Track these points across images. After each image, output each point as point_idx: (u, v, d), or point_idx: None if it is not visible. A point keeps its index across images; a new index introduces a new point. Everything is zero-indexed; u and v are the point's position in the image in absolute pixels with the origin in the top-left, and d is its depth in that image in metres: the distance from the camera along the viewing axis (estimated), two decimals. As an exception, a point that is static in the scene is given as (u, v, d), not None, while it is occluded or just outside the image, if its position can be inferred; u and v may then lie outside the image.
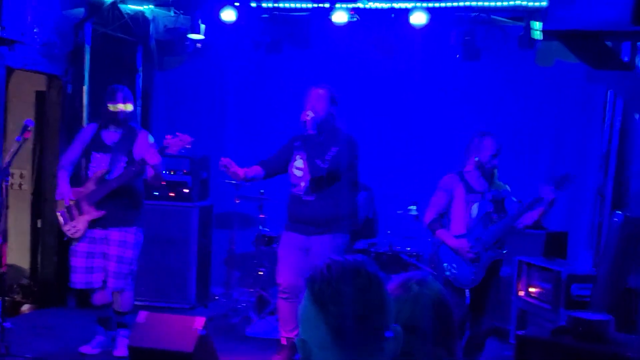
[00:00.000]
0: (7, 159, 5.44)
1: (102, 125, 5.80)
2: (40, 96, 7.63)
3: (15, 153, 5.41)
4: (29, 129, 5.42)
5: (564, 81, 7.35)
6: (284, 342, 5.53)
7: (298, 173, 5.47)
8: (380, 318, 1.53)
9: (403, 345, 1.87)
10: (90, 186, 5.66)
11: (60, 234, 6.89)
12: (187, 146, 5.60)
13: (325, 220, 5.38)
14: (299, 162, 5.49)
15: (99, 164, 5.68)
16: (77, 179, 5.87)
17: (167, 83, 8.31)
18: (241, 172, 5.50)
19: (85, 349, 5.78)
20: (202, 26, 7.44)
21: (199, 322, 4.71)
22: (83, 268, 5.68)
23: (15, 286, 7.41)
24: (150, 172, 5.63)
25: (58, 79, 7.34)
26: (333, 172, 5.34)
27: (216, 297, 7.69)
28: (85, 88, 7.38)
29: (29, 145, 7.38)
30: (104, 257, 5.69)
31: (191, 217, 7.47)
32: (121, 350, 5.67)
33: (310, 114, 5.30)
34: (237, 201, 7.25)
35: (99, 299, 5.78)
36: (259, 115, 8.15)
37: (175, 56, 7.97)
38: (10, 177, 5.62)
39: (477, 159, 5.30)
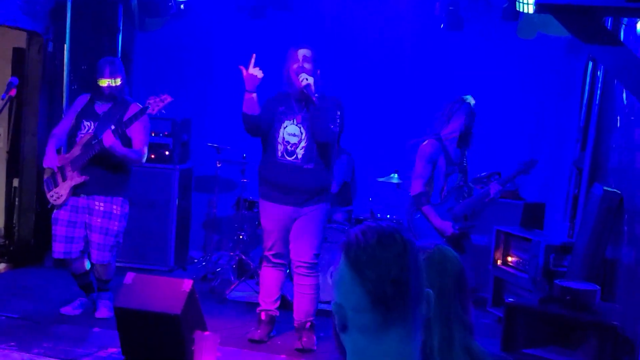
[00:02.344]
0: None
1: (94, 96, 5.78)
2: (18, 53, 7.51)
3: (0, 111, 5.35)
4: (14, 86, 5.37)
5: (545, 54, 7.41)
6: (263, 316, 5.41)
7: (293, 139, 5.18)
8: (415, 283, 1.57)
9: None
10: (75, 151, 5.61)
11: (40, 193, 6.90)
12: (166, 104, 5.50)
13: (320, 189, 5.22)
14: (292, 128, 5.19)
15: (87, 130, 5.65)
16: (64, 150, 5.86)
17: (148, 44, 8.22)
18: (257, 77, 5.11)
19: (67, 310, 5.78)
20: (186, -12, 7.37)
21: (187, 283, 4.71)
22: (63, 237, 5.62)
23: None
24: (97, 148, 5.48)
25: (39, 36, 7.24)
26: (336, 137, 5.22)
27: (195, 260, 7.71)
28: (66, 46, 7.27)
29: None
30: (85, 227, 5.64)
31: (172, 180, 7.45)
32: (102, 312, 5.70)
33: (306, 78, 5.03)
34: (219, 164, 7.23)
35: (77, 267, 5.75)
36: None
37: (158, 17, 7.85)
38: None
39: (454, 123, 5.37)
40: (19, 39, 7.36)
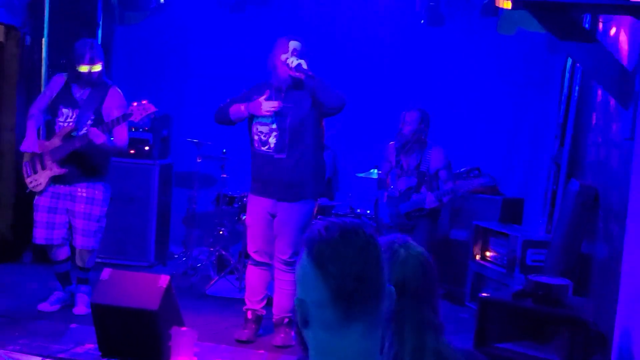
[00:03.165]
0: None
1: (71, 79, 5.68)
2: (-4, 47, 7.46)
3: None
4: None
5: (524, 50, 7.44)
6: (250, 315, 5.36)
7: (264, 129, 5.15)
8: (377, 278, 1.58)
9: (394, 307, 1.94)
10: (55, 142, 5.56)
11: (18, 189, 6.89)
12: (151, 116, 5.58)
13: (297, 182, 5.14)
14: (264, 118, 5.14)
15: (66, 119, 5.58)
16: (43, 132, 5.84)
17: (128, 39, 8.17)
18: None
19: (44, 307, 5.74)
20: (165, -19, 7.34)
21: (164, 279, 4.71)
22: (44, 223, 5.62)
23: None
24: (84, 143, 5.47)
25: (16, 30, 7.19)
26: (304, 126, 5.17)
27: (175, 256, 7.70)
28: (44, 40, 7.23)
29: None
30: (67, 213, 5.64)
31: (152, 175, 7.43)
32: (81, 308, 5.66)
33: (295, 59, 5.01)
34: (199, 160, 7.22)
35: (58, 254, 5.74)
36: (221, 73, 8.09)
37: (138, 11, 7.83)
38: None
39: (403, 132, 6.03)
40: (-3, 33, 7.31)
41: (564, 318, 3.78)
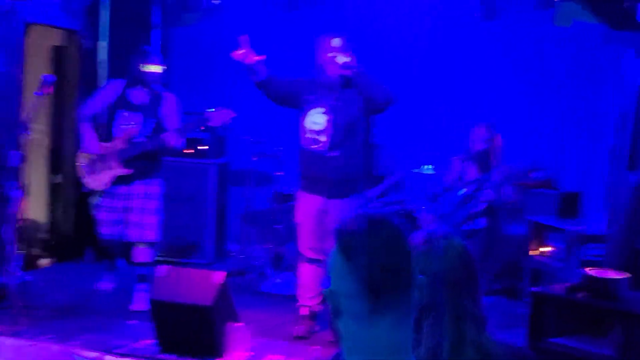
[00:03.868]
0: (26, 113, 5.51)
1: (129, 84, 5.90)
2: (57, 51, 7.66)
3: (35, 108, 5.48)
4: (49, 83, 5.49)
5: (581, 41, 7.30)
6: (304, 312, 5.38)
7: (316, 127, 5.15)
8: (405, 269, 1.60)
9: (433, 296, 1.95)
10: (119, 144, 5.79)
11: (79, 188, 7.09)
12: (229, 121, 5.86)
13: (347, 179, 5.14)
14: (317, 117, 5.18)
15: (127, 122, 5.82)
16: (99, 134, 6.00)
17: (184, 40, 8.30)
18: (254, 55, 5.28)
19: (101, 285, 6.25)
20: (219, -18, 7.44)
21: (219, 276, 4.78)
22: (106, 221, 5.89)
23: (33, 240, 7.53)
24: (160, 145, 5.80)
25: (76, 34, 7.37)
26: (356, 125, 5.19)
27: (233, 254, 7.79)
28: (103, 43, 7.40)
29: (47, 101, 7.44)
30: (125, 210, 5.86)
31: (208, 174, 7.54)
32: (139, 305, 5.79)
33: (341, 57, 5.03)
34: (255, 158, 7.29)
35: (117, 247, 6.03)
36: (276, 72, 8.13)
37: (193, 12, 7.94)
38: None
39: (469, 146, 6.12)
40: (58, 38, 7.51)
41: (619, 312, 3.71)
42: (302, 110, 5.27)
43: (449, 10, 7.46)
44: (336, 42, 5.15)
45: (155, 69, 5.85)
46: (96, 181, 5.84)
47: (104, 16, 7.38)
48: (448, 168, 6.19)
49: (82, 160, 5.92)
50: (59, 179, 7.67)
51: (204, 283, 4.77)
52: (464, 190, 5.87)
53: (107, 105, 5.88)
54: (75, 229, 7.49)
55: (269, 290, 6.63)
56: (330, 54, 5.12)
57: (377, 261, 1.57)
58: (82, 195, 7.11)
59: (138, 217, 5.83)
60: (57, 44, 7.59)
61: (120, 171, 5.78)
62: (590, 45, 7.25)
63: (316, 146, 5.19)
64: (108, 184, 5.81)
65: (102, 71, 7.49)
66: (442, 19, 7.49)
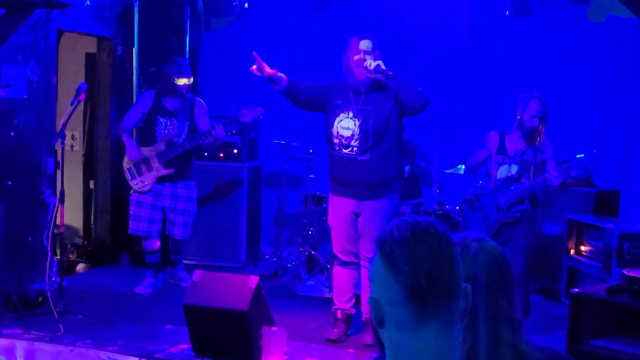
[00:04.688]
0: (62, 121, 5.59)
1: (162, 93, 6.41)
2: (90, 58, 7.73)
3: (70, 115, 5.55)
4: (83, 91, 5.56)
5: (616, 37, 7.18)
6: (339, 315, 5.35)
7: (346, 133, 5.12)
8: (450, 277, 1.56)
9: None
10: (160, 146, 6.35)
11: (113, 194, 7.29)
12: (260, 117, 6.43)
13: (379, 182, 5.12)
14: (346, 122, 5.14)
15: (166, 126, 6.39)
16: (139, 139, 6.52)
17: (214, 44, 8.32)
18: (268, 68, 5.29)
19: (139, 289, 6.46)
20: (249, -14, 7.45)
21: (253, 280, 4.77)
22: (147, 218, 6.39)
23: (70, 246, 7.61)
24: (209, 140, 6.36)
25: (108, 41, 7.43)
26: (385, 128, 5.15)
27: (266, 256, 7.79)
28: (134, 50, 7.45)
29: (80, 107, 7.49)
30: (164, 210, 6.46)
31: (241, 177, 7.54)
32: (187, 278, 6.42)
33: (371, 62, 4.96)
34: (286, 161, 7.29)
35: (151, 245, 6.50)
36: (306, 74, 8.10)
37: (223, 17, 7.97)
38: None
39: (518, 117, 5.47)
40: (90, 45, 7.58)
41: (661, 313, 3.63)
42: (330, 115, 5.23)
43: (479, 8, 7.39)
44: (364, 44, 5.10)
45: (186, 81, 6.38)
46: (141, 183, 6.34)
47: (136, 23, 7.42)
48: (482, 144, 5.77)
49: (126, 164, 6.40)
50: (92, 184, 7.73)
51: (238, 287, 4.77)
52: (515, 168, 5.55)
53: (144, 112, 6.41)
54: (110, 234, 7.55)
55: (303, 293, 6.61)
56: (357, 57, 5.07)
57: (421, 269, 1.53)
58: (119, 200, 7.24)
59: (182, 218, 6.49)
60: (90, 51, 7.66)
61: (164, 171, 6.32)
62: (626, 40, 7.13)
63: (347, 151, 5.16)
64: (152, 184, 6.34)
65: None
66: (472, 16, 7.42)
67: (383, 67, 4.96)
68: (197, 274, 4.94)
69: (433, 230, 1.58)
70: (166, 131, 6.38)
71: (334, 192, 5.33)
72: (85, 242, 7.78)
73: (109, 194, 7.52)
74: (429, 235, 1.57)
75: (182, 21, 7.99)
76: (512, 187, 5.52)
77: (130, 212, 6.46)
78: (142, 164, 6.35)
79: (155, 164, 6.33)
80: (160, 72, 6.65)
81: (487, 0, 7.41)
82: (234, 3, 7.63)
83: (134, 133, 6.63)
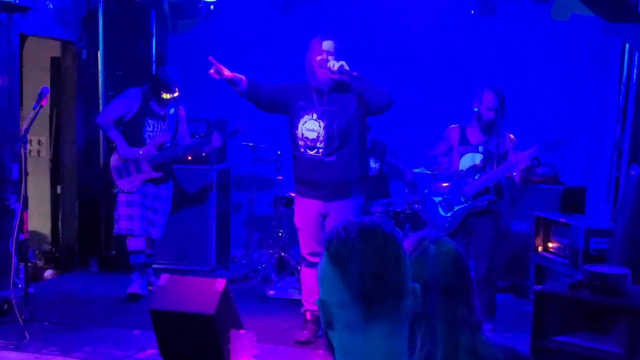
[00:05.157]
0: (24, 126, 5.53)
1: (149, 96, 6.44)
2: (55, 62, 7.66)
3: (32, 120, 5.48)
4: (45, 95, 5.50)
5: (580, 35, 7.24)
6: (308, 316, 5.36)
7: (311, 135, 5.12)
8: (397, 276, 1.55)
9: (425, 304, 1.90)
10: (151, 150, 6.39)
11: (80, 199, 7.22)
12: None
13: (346, 182, 5.12)
14: (310, 123, 5.13)
15: (154, 128, 6.45)
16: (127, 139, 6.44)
17: (181, 46, 8.28)
18: (227, 71, 5.22)
19: (134, 289, 6.38)
20: (215, -12, 7.42)
21: (220, 283, 4.75)
22: (139, 217, 6.40)
23: (37, 252, 7.52)
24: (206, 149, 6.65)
25: (72, 45, 7.36)
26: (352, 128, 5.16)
27: (236, 259, 7.76)
28: (100, 53, 7.38)
29: (45, 112, 7.44)
30: (147, 209, 6.48)
31: (210, 180, 7.52)
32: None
33: (334, 62, 4.94)
34: (255, 163, 7.27)
35: (138, 244, 6.46)
36: (274, 75, 8.09)
37: (189, 19, 7.94)
38: (28, 145, 5.76)
39: (476, 109, 5.58)
40: (55, 49, 7.50)
41: (622, 307, 3.66)
42: (294, 117, 5.21)
43: (447, 7, 7.42)
44: (327, 44, 5.08)
45: (169, 97, 6.42)
46: (129, 184, 6.37)
47: (100, 26, 7.35)
48: (443, 137, 5.81)
49: (115, 162, 6.41)
50: (59, 189, 7.65)
51: (205, 291, 4.74)
52: (479, 157, 5.57)
53: (129, 111, 6.39)
54: (79, 239, 7.48)
55: (273, 295, 6.60)
56: (320, 57, 5.05)
57: (368, 270, 1.52)
58: (86, 205, 7.20)
59: (161, 218, 6.58)
60: (55, 55, 7.59)
61: (153, 174, 6.41)
62: (589, 38, 7.20)
63: (312, 152, 5.15)
64: (139, 185, 6.39)
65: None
66: (440, 15, 7.44)
67: (346, 67, 4.94)
68: (164, 278, 4.91)
69: (379, 230, 1.57)
70: (155, 134, 6.44)
71: (300, 194, 5.31)
72: (53, 249, 7.69)
73: (76, 199, 7.45)
74: (375, 235, 1.56)
75: (148, 24, 7.96)
76: (477, 176, 5.57)
77: (120, 212, 6.41)
78: (131, 164, 6.38)
79: (145, 166, 6.38)
80: (126, 75, 6.67)
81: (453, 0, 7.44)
82: (200, 5, 7.60)
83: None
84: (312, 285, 5.33)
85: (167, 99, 6.43)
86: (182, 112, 6.68)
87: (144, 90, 6.47)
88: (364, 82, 5.00)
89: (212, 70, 5.19)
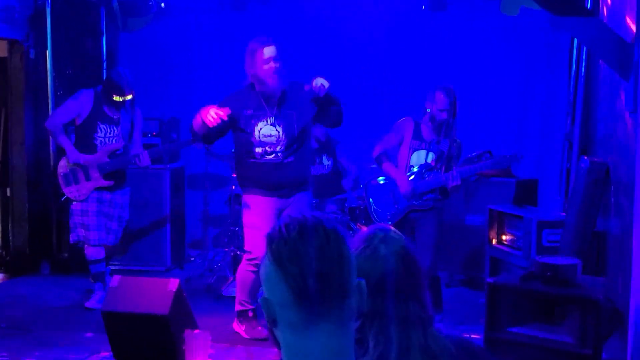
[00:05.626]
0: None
1: (102, 100, 6.11)
2: (2, 62, 7.49)
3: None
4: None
5: (529, 29, 7.33)
6: (250, 314, 5.39)
7: (270, 139, 5.13)
8: (340, 274, 1.52)
9: (376, 301, 1.88)
10: (102, 157, 6.07)
11: (31, 201, 7.07)
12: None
13: (303, 180, 5.26)
14: (267, 129, 5.16)
15: (107, 134, 6.11)
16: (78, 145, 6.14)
17: (132, 45, 8.17)
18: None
19: (91, 304, 6.05)
20: (166, -15, 7.34)
21: (174, 283, 4.70)
22: (95, 226, 6.09)
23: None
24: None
25: (19, 44, 7.22)
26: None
27: (192, 258, 7.70)
28: (48, 52, 7.24)
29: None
30: (104, 216, 6.17)
31: (163, 180, 7.43)
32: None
33: (322, 83, 5.00)
34: (208, 161, 7.21)
35: (98, 253, 6.14)
36: (227, 73, 8.05)
37: (140, 17, 7.83)
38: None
39: (428, 110, 5.53)
40: (1, 48, 7.35)
41: (573, 298, 3.71)
42: (246, 126, 5.18)
43: (396, 3, 7.44)
44: (269, 51, 5.06)
45: (121, 99, 6.09)
46: (77, 192, 6.06)
47: (48, 25, 7.21)
48: (394, 129, 5.72)
49: (62, 169, 6.08)
50: (8, 192, 7.49)
51: (158, 291, 4.68)
52: (432, 155, 5.54)
53: (80, 114, 6.08)
54: (30, 242, 7.34)
55: (228, 293, 6.54)
56: (267, 66, 5.05)
57: (309, 269, 1.49)
58: (36, 208, 7.05)
59: (117, 224, 6.25)
60: (1, 54, 7.43)
61: (103, 183, 6.08)
62: (539, 32, 7.29)
63: (271, 157, 5.16)
64: (87, 194, 6.06)
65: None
66: (389, 12, 7.46)
67: (327, 85, 5.00)
68: (116, 279, 4.84)
69: (321, 227, 1.54)
70: (107, 140, 6.09)
71: (256, 193, 5.27)
72: (3, 252, 7.54)
73: (26, 202, 7.31)
74: (317, 233, 1.53)
75: (98, 22, 7.84)
76: (427, 176, 5.56)
77: (76, 221, 6.09)
78: (80, 171, 6.04)
79: (95, 174, 6.04)
80: (76, 74, 6.53)
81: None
82: (150, 3, 7.51)
83: (70, 137, 6.28)
84: (255, 288, 5.32)
85: (119, 102, 6.10)
86: (139, 117, 6.35)
87: (97, 92, 6.14)
88: (335, 103, 5.12)
89: (213, 116, 5.01)
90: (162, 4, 7.65)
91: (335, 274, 1.52)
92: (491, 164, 5.63)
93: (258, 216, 5.27)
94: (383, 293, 1.93)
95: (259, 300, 1.58)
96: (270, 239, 1.56)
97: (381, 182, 5.79)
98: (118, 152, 6.16)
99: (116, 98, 6.05)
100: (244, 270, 5.38)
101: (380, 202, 5.77)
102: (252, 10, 7.77)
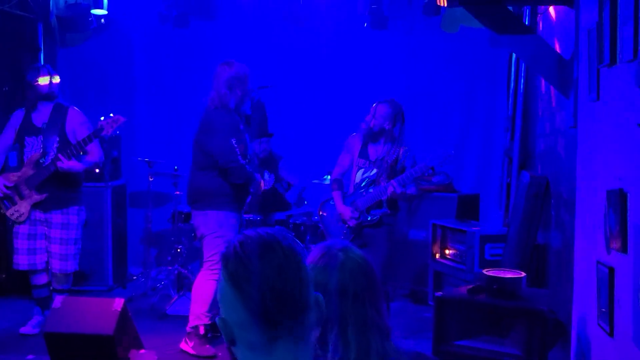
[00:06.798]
0: None
1: (30, 107, 5.79)
2: None
3: None
4: None
5: (469, 47, 7.47)
6: (201, 331, 5.38)
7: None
8: (299, 291, 1.51)
9: (336, 310, 1.89)
10: (27, 171, 5.68)
11: None
12: (121, 126, 5.65)
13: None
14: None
15: (32, 146, 5.72)
16: (12, 165, 5.90)
17: (71, 61, 8.04)
18: None
19: (26, 330, 5.77)
20: (105, 1, 7.23)
21: (118, 303, 4.63)
22: (25, 250, 5.74)
23: None
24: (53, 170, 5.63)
25: (-46, 61, 7.03)
26: None
27: (134, 277, 7.58)
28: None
29: None
30: (45, 238, 5.76)
31: (104, 198, 7.30)
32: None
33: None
34: (151, 179, 7.12)
35: (39, 279, 5.84)
36: (168, 90, 8.01)
37: (79, 33, 7.71)
38: None
39: (368, 123, 5.51)
40: None
41: (519, 310, 3.77)
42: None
43: (338, 21, 7.51)
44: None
45: (47, 80, 5.72)
46: (17, 213, 5.72)
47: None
48: (345, 148, 5.71)
49: None
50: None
51: (103, 311, 4.61)
52: (374, 171, 5.53)
53: (15, 135, 5.80)
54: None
55: (173, 312, 6.46)
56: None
57: (268, 290, 1.47)
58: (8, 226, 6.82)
59: (58, 247, 5.75)
60: None
61: (36, 197, 5.68)
62: (478, 50, 7.43)
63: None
64: (27, 213, 5.71)
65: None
66: (331, 29, 7.53)
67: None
68: (58, 299, 4.75)
69: (279, 246, 1.52)
70: (32, 152, 5.70)
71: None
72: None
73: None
74: (275, 252, 1.51)
75: (35, 37, 7.68)
76: (370, 190, 5.54)
77: (16, 245, 5.78)
78: (13, 192, 5.68)
79: (25, 190, 5.67)
80: (13, 91, 6.31)
81: (347, 13, 7.53)
82: (90, 18, 7.39)
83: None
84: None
85: (44, 86, 5.67)
86: (75, 115, 5.80)
87: (26, 105, 5.82)
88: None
89: None
90: (102, 20, 7.54)
91: (294, 291, 1.50)
92: (424, 166, 5.48)
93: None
94: (342, 298, 1.95)
95: (216, 320, 1.56)
96: (226, 257, 1.52)
97: (332, 203, 5.78)
98: (43, 160, 5.66)
99: (40, 80, 5.67)
100: (205, 280, 5.34)
101: (333, 222, 5.75)
102: (195, 27, 7.73)
